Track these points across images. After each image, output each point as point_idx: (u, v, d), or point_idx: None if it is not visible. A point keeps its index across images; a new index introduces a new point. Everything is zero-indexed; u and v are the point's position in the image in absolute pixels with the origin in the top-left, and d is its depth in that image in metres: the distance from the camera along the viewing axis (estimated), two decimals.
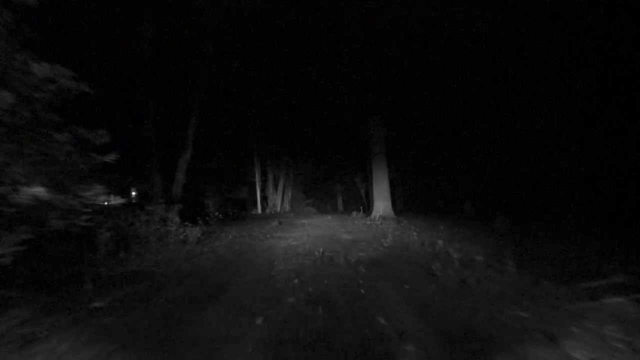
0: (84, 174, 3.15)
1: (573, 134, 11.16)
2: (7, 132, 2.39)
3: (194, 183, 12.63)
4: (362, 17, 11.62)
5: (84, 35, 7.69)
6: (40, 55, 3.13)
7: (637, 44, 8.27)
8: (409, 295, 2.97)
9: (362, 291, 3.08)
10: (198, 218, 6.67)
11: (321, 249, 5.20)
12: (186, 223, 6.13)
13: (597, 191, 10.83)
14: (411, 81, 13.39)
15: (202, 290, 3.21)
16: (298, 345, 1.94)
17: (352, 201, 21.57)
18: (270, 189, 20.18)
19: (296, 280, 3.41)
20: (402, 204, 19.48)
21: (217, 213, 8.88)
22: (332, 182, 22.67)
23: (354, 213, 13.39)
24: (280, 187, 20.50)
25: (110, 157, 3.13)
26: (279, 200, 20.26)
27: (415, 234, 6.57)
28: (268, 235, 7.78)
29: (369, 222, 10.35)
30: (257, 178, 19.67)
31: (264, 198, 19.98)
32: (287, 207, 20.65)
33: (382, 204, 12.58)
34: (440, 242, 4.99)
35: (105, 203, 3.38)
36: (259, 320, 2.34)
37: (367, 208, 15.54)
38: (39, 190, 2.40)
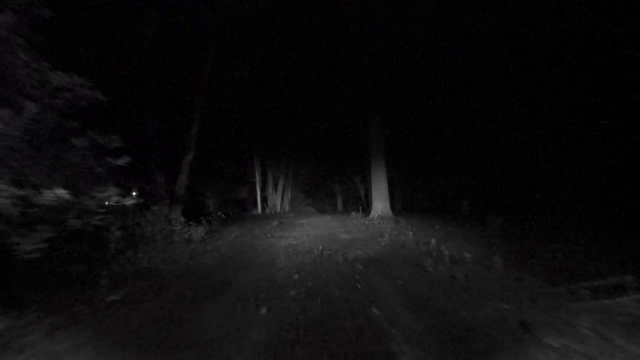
0: (99, 176, 3.37)
1: (571, 135, 11.35)
2: (30, 138, 2.61)
3: (194, 183, 12.83)
4: (362, 17, 11.76)
5: (88, 40, 7.89)
6: (49, 61, 3.36)
7: (636, 43, 8.32)
8: (402, 289, 3.20)
9: (358, 285, 3.31)
10: (201, 218, 6.89)
11: (320, 248, 5.42)
12: (190, 222, 6.36)
13: (594, 191, 11.03)
14: (410, 82, 13.57)
15: (209, 285, 3.43)
16: (299, 330, 2.18)
17: (351, 201, 21.75)
18: (270, 189, 20.38)
19: (296, 276, 3.64)
20: (401, 204, 19.69)
21: (219, 213, 9.06)
22: (332, 182, 22.85)
23: (353, 213, 13.60)
24: (280, 187, 20.69)
25: (123, 161, 3.35)
26: (278, 200, 20.45)
27: (411, 233, 6.79)
28: (269, 235, 8.00)
29: (368, 222, 10.57)
30: (257, 178, 19.87)
31: (264, 198, 20.17)
32: (286, 207, 20.84)
33: (380, 204, 12.78)
34: (433, 240, 5.23)
35: (117, 203, 3.58)
36: (264, 310, 2.57)
37: (367, 208, 15.74)
38: (61, 192, 2.62)
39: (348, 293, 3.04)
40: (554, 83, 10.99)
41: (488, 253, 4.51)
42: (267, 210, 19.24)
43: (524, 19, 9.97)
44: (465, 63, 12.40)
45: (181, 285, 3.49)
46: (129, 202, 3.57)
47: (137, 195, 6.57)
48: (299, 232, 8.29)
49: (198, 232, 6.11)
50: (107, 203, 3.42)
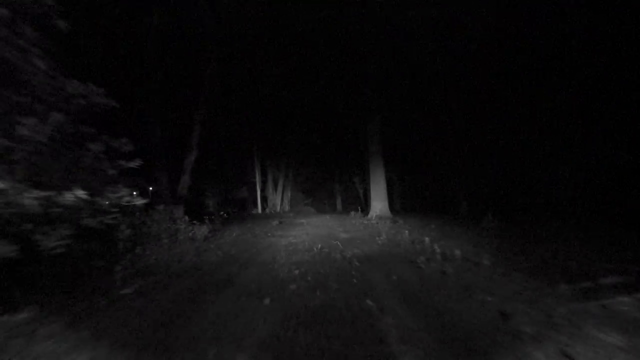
0: (112, 178, 3.60)
1: (569, 135, 11.53)
2: (51, 143, 2.84)
3: (195, 183, 13.08)
4: (362, 18, 11.90)
5: (93, 45, 8.12)
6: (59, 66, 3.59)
7: (634, 43, 8.40)
8: (395, 284, 3.43)
9: (355, 280, 3.54)
10: (204, 217, 7.12)
11: (319, 246, 5.66)
12: (194, 222, 6.59)
13: (592, 191, 11.20)
14: (409, 83, 13.78)
15: (215, 280, 3.67)
16: (300, 318, 2.41)
17: (350, 201, 21.98)
18: (270, 189, 20.61)
19: (297, 271, 3.87)
20: (400, 204, 19.93)
21: (222, 212, 9.29)
22: (331, 182, 23.09)
23: (352, 213, 13.83)
24: (279, 187, 20.93)
25: (135, 163, 3.58)
26: (278, 200, 20.69)
27: (407, 232, 7.03)
28: (269, 234, 8.22)
29: (366, 222, 10.80)
30: (257, 178, 20.11)
31: (264, 198, 20.40)
32: (286, 207, 21.08)
33: (379, 204, 12.99)
34: (427, 239, 5.47)
35: (128, 203, 3.80)
36: (267, 301, 2.80)
37: (365, 208, 15.98)
38: (80, 193, 2.85)
39: (345, 287, 3.27)
40: (552, 84, 11.13)
41: (478, 251, 4.75)
42: (267, 210, 19.48)
43: (523, 18, 10.09)
44: (464, 63, 12.55)
45: (189, 280, 3.72)
46: (139, 202, 3.80)
47: (137, 195, 6.76)
48: (299, 232, 8.52)
49: (202, 230, 6.34)
50: (123, 203, 3.63)
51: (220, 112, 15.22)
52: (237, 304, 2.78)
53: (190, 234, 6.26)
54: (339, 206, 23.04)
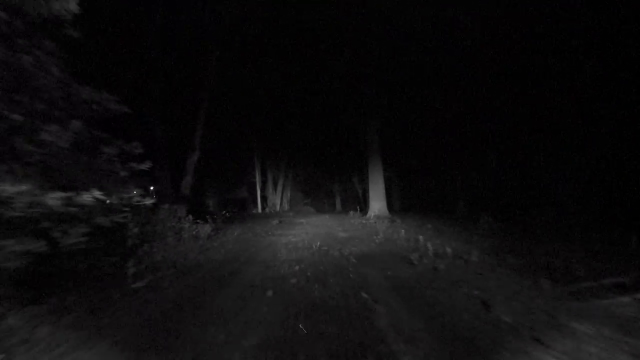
0: (123, 179, 3.82)
1: (567, 137, 11.68)
2: (71, 147, 3.06)
3: (196, 183, 13.28)
4: (362, 19, 12.04)
5: (99, 50, 8.32)
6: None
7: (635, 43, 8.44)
8: (389, 279, 3.67)
9: (351, 275, 3.78)
10: (207, 216, 7.35)
11: (318, 244, 5.90)
12: (198, 220, 6.82)
13: (590, 191, 11.34)
14: (408, 84, 13.96)
15: (220, 275, 3.90)
16: (300, 308, 2.65)
17: (350, 201, 22.20)
18: (269, 189, 20.83)
19: (297, 267, 4.11)
20: (399, 204, 20.15)
21: (224, 212, 9.52)
22: (331, 182, 23.29)
23: (351, 212, 14.06)
24: (279, 187, 21.15)
25: (146, 165, 3.81)
26: (278, 199, 20.91)
27: (403, 231, 7.26)
28: (270, 233, 8.46)
29: (364, 221, 11.03)
30: (257, 178, 20.33)
31: (264, 198, 20.63)
32: (285, 206, 21.30)
33: (377, 204, 13.22)
34: (421, 238, 5.71)
35: (138, 203, 4.03)
36: (269, 293, 3.04)
37: (364, 208, 16.21)
38: (97, 193, 3.08)
39: (342, 281, 3.51)
40: (552, 83, 11.17)
41: (470, 249, 4.98)
42: (267, 210, 19.70)
43: (523, 17, 10.14)
44: (464, 63, 12.64)
45: (195, 275, 3.96)
46: (148, 202, 4.02)
47: (141, 195, 6.94)
48: (298, 231, 8.75)
49: (205, 229, 6.57)
50: (134, 203, 3.85)
51: (220, 113, 15.43)
52: (242, 296, 3.01)
53: (194, 233, 6.48)
54: (338, 206, 23.26)
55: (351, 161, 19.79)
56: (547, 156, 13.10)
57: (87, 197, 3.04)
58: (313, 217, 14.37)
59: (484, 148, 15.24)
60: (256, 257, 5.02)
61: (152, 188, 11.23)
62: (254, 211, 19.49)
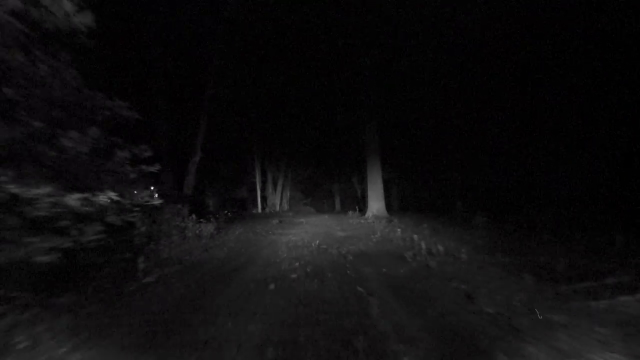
0: (133, 181, 4.06)
1: (565, 137, 11.84)
2: (89, 153, 3.30)
3: (196, 183, 13.49)
4: (361, 20, 12.10)
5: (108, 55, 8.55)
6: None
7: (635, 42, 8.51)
8: (383, 274, 3.91)
9: (348, 272, 4.02)
10: (209, 216, 7.59)
11: (317, 243, 6.14)
12: (201, 220, 7.06)
13: (588, 193, 11.48)
14: (406, 85, 14.15)
15: (225, 271, 4.14)
16: (300, 299, 2.89)
17: (349, 201, 22.42)
18: (269, 189, 21.05)
19: (297, 264, 4.35)
20: (398, 204, 20.36)
21: (226, 212, 9.76)
22: (330, 182, 23.51)
23: (350, 212, 14.29)
24: (279, 187, 21.37)
25: (155, 168, 4.05)
26: (278, 200, 21.13)
27: (399, 230, 7.51)
28: (270, 232, 8.69)
29: (363, 221, 11.27)
30: (257, 178, 20.55)
31: (263, 198, 20.85)
32: (285, 206, 21.52)
33: (376, 204, 13.42)
34: (415, 237, 5.96)
35: (147, 203, 4.27)
36: (272, 286, 3.28)
37: (363, 208, 16.42)
38: (112, 194, 3.32)
39: (339, 277, 3.75)
40: (551, 83, 11.20)
41: (462, 247, 5.23)
42: (267, 210, 19.93)
43: (523, 16, 10.23)
44: (463, 63, 12.69)
45: (201, 271, 4.19)
46: (157, 202, 4.26)
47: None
48: (298, 230, 8.99)
49: (208, 228, 6.82)
50: (143, 203, 4.09)
51: (221, 113, 15.62)
52: (247, 289, 3.25)
53: (197, 232, 6.73)
54: (337, 206, 23.47)
55: (350, 161, 19.97)
56: (544, 157, 13.27)
57: (103, 198, 3.28)
58: (312, 217, 14.59)
59: (482, 148, 15.43)
60: (258, 255, 5.26)
61: (152, 188, 11.45)
62: (254, 211, 19.70)
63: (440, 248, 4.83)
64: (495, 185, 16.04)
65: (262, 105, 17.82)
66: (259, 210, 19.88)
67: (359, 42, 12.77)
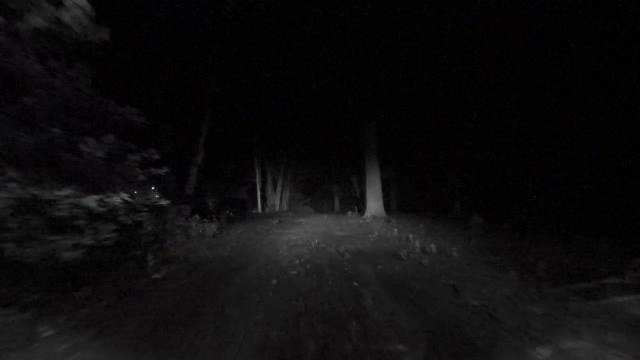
0: (142, 183, 4.30)
1: (564, 138, 12.00)
2: (105, 158, 3.55)
3: (197, 183, 13.68)
4: (360, 20, 12.19)
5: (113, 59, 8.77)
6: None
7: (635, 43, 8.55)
8: (378, 271, 4.16)
9: (345, 268, 4.27)
10: (212, 216, 7.83)
11: (316, 242, 6.38)
12: (204, 220, 7.30)
13: (585, 194, 11.68)
14: (405, 86, 14.30)
15: (229, 268, 4.38)
16: (300, 293, 3.14)
17: (348, 201, 22.65)
18: (269, 190, 21.28)
19: (297, 261, 4.60)
20: (397, 204, 20.59)
21: (228, 212, 9.99)
22: (330, 182, 23.75)
23: (349, 213, 14.52)
24: (278, 188, 21.61)
25: (163, 170, 4.29)
26: (277, 200, 21.37)
27: (396, 230, 7.75)
28: (270, 232, 8.93)
29: (361, 221, 11.51)
30: (258, 179, 20.79)
31: (263, 198, 21.08)
32: (285, 206, 21.75)
33: (374, 204, 13.64)
34: (410, 236, 6.21)
35: (155, 203, 4.50)
36: (274, 281, 3.53)
37: (362, 208, 16.64)
38: (125, 196, 3.56)
39: (337, 273, 4.00)
40: (550, 83, 11.30)
41: (454, 246, 5.48)
42: (267, 210, 20.16)
43: (523, 16, 10.32)
44: (461, 64, 12.76)
45: (206, 268, 4.44)
46: (164, 202, 4.50)
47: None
48: (298, 230, 9.23)
49: (211, 228, 7.05)
50: (150, 203, 4.32)
51: (221, 114, 15.81)
52: (250, 284, 3.50)
53: (200, 231, 6.96)
54: (336, 206, 23.70)
55: (350, 162, 20.18)
56: (542, 158, 13.46)
57: (116, 199, 3.52)
58: (312, 217, 14.82)
59: (481, 150, 15.64)
60: (259, 253, 5.51)
61: (152, 188, 11.65)
62: (254, 211, 19.93)
63: (434, 247, 5.08)
64: (494, 186, 16.28)
65: (262, 106, 18.04)
66: (259, 210, 20.11)
67: (358, 42, 12.85)
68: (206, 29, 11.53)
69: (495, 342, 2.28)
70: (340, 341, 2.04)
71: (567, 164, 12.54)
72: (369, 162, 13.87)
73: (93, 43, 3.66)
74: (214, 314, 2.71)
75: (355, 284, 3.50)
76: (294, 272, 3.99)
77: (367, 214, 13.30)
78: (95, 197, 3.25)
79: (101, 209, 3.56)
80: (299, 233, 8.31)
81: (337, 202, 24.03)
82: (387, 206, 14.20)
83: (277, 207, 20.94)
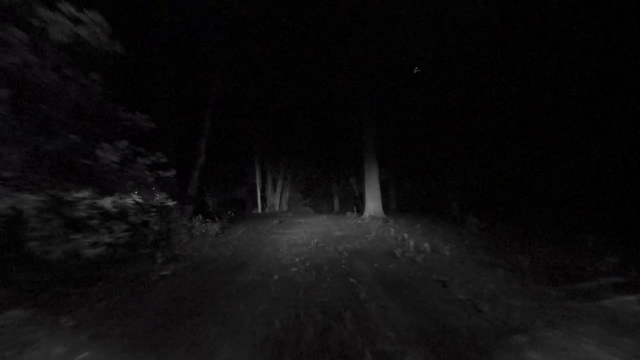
0: (150, 184, 4.55)
1: (562, 138, 12.17)
2: (119, 162, 3.79)
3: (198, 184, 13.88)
4: (359, 20, 12.35)
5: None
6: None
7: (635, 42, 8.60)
8: (374, 268, 4.41)
9: (343, 266, 4.51)
10: (215, 216, 8.06)
11: (316, 241, 6.63)
12: (207, 220, 7.54)
13: (582, 195, 11.84)
14: (404, 88, 14.53)
15: (232, 265, 4.63)
16: (300, 287, 3.39)
17: (348, 201, 22.82)
18: (269, 190, 21.49)
19: (297, 259, 4.84)
20: (396, 205, 20.79)
21: (230, 212, 10.22)
22: (329, 182, 23.94)
23: (348, 213, 14.72)
24: (278, 188, 21.80)
25: (171, 173, 4.54)
26: (277, 200, 21.57)
27: (393, 230, 8.00)
28: (271, 231, 9.15)
29: (360, 221, 11.72)
30: (258, 180, 21.01)
31: (263, 198, 21.29)
32: (284, 207, 21.94)
33: (373, 204, 13.82)
34: (405, 235, 6.46)
35: (162, 204, 4.74)
36: (276, 277, 3.78)
37: (362, 208, 16.83)
38: (137, 197, 3.80)
39: (335, 270, 4.25)
40: (549, 84, 11.33)
41: (447, 245, 5.73)
42: (267, 210, 20.37)
43: (522, 15, 10.35)
44: (460, 65, 12.88)
45: (211, 265, 4.68)
46: (171, 203, 4.74)
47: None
48: (298, 229, 9.46)
49: (214, 227, 7.29)
50: (157, 204, 4.56)
51: (221, 115, 16.00)
52: (254, 279, 3.75)
53: (203, 231, 7.20)
54: (336, 206, 23.89)
55: (349, 162, 20.32)
56: (540, 159, 13.61)
57: (129, 200, 3.76)
58: (311, 217, 15.03)
59: (479, 150, 15.81)
60: (261, 252, 5.75)
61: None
62: (254, 211, 20.14)
63: (427, 246, 5.33)
64: (492, 187, 16.45)
65: (261, 107, 18.25)
66: (259, 210, 20.33)
67: (358, 42, 12.91)
68: (209, 32, 11.76)
69: (476, 330, 2.53)
70: (337, 328, 2.29)
71: (566, 164, 12.67)
72: (368, 163, 14.04)
73: (106, 54, 3.90)
74: (221, 305, 2.96)
75: (351, 280, 3.75)
76: (295, 269, 4.23)
77: (366, 214, 13.51)
78: (110, 198, 3.49)
79: (114, 209, 3.80)
80: (299, 233, 8.54)
81: (336, 202, 24.23)
82: (385, 206, 14.39)
83: (277, 208, 21.15)
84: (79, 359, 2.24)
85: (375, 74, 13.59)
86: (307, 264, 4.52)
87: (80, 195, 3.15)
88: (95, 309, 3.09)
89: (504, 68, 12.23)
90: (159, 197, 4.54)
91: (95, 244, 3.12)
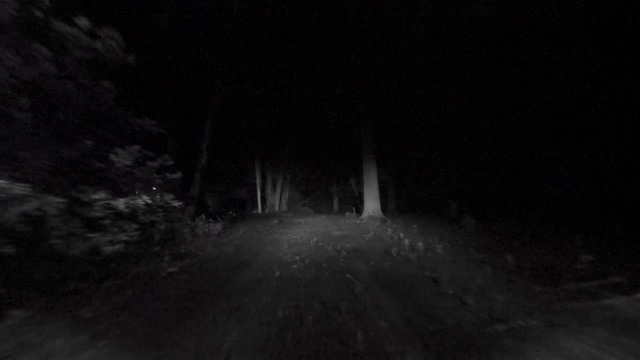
0: (158, 186, 4.79)
1: (560, 139, 12.35)
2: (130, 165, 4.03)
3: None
4: (358, 20, 12.50)
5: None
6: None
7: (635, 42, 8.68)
8: (370, 266, 4.66)
9: (341, 264, 4.76)
10: (217, 216, 8.31)
11: (315, 240, 6.88)
12: (210, 220, 7.78)
13: (579, 196, 12.05)
14: (403, 88, 14.71)
15: (235, 263, 4.87)
16: (300, 282, 3.63)
17: (347, 201, 23.08)
18: (269, 190, 21.74)
19: (297, 257, 5.09)
20: (395, 205, 21.02)
21: (231, 212, 10.46)
22: (328, 183, 24.18)
23: (347, 213, 14.97)
24: (278, 188, 22.06)
25: (177, 175, 4.78)
26: (277, 200, 21.83)
27: (390, 230, 8.25)
28: (271, 231, 9.40)
29: (359, 221, 11.97)
30: (258, 180, 21.26)
31: (263, 199, 21.54)
32: (284, 207, 22.19)
33: (371, 205, 14.05)
34: (401, 234, 6.72)
35: (167, 204, 4.99)
36: (277, 273, 4.03)
37: (361, 208, 17.05)
38: (146, 198, 4.05)
39: (333, 267, 4.50)
40: (548, 84, 11.50)
41: (441, 245, 5.98)
42: (267, 210, 20.62)
43: (519, 17, 10.48)
44: (459, 64, 12.97)
45: (215, 263, 4.92)
46: (177, 204, 4.98)
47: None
48: (297, 229, 9.71)
49: (216, 227, 7.53)
50: (163, 204, 4.80)
51: (221, 116, 16.20)
52: (256, 275, 4.00)
53: (206, 230, 7.44)
54: (335, 206, 24.13)
55: (348, 162, 20.56)
56: (540, 160, 13.79)
57: (139, 201, 4.01)
58: (311, 218, 15.26)
59: (478, 150, 16.03)
60: (263, 250, 6.00)
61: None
62: (254, 211, 20.40)
63: (421, 245, 5.58)
64: (490, 187, 16.67)
65: (262, 107, 18.47)
66: (259, 210, 20.58)
67: (357, 42, 13.03)
68: (210, 35, 11.99)
69: (462, 320, 2.78)
70: (334, 316, 2.54)
71: (565, 164, 12.85)
72: (367, 163, 14.24)
73: (120, 65, 4.14)
74: (227, 299, 3.21)
75: (348, 276, 4.00)
76: (295, 266, 4.48)
77: (365, 214, 13.74)
78: (123, 199, 3.73)
79: (127, 210, 4.04)
80: (299, 232, 8.79)
81: (335, 202, 24.47)
82: (384, 207, 14.61)
83: (277, 208, 21.40)
84: (100, 345, 2.49)
85: (375, 74, 13.74)
86: (307, 262, 4.77)
87: (96, 196, 3.39)
88: (109, 302, 3.33)
89: (503, 68, 12.36)
90: (166, 198, 4.77)
91: (112, 242, 3.36)
